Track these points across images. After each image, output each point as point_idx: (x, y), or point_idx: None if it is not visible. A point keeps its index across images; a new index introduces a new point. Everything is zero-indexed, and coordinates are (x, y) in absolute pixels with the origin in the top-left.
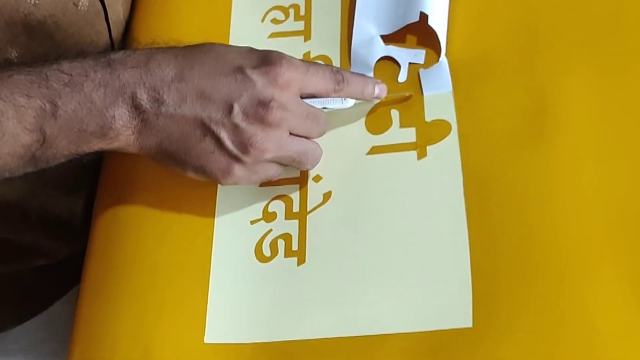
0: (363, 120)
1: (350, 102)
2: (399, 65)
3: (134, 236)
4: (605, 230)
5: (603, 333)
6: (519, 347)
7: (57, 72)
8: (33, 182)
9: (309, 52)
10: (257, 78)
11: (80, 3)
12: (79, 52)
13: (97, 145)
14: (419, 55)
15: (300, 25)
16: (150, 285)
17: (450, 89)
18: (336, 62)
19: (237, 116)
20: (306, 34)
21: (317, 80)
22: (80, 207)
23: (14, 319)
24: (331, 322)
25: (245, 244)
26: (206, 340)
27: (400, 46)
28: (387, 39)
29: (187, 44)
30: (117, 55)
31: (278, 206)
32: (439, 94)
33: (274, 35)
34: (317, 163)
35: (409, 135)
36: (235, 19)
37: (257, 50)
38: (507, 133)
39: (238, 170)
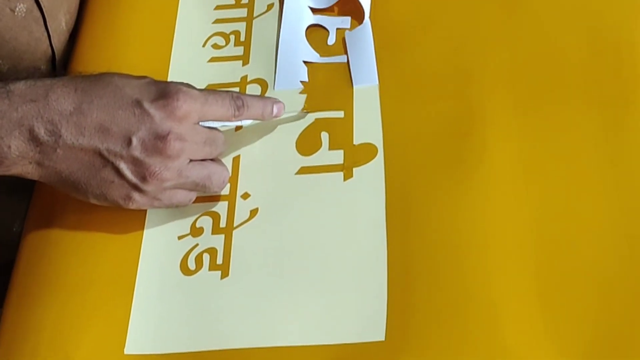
0: (294, 141)
1: (247, 122)
2: (328, 31)
3: (63, 247)
4: (518, 248)
5: (511, 346)
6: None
7: None
8: None
9: (246, 76)
10: (155, 112)
11: (17, 9)
12: (17, 58)
13: None
14: (345, 21)
15: (239, 51)
16: (75, 294)
17: (376, 82)
18: (271, 84)
19: (136, 149)
20: (245, 58)
21: (216, 109)
22: (22, 210)
23: None
24: (249, 334)
25: (171, 258)
26: (126, 351)
27: (327, 15)
28: (315, 11)
29: (126, 64)
30: (18, 86)
31: (205, 222)
32: (366, 113)
33: (213, 59)
34: (223, 185)
35: (337, 157)
36: (178, 42)
37: (155, 82)
38: (431, 155)
39: (139, 197)
